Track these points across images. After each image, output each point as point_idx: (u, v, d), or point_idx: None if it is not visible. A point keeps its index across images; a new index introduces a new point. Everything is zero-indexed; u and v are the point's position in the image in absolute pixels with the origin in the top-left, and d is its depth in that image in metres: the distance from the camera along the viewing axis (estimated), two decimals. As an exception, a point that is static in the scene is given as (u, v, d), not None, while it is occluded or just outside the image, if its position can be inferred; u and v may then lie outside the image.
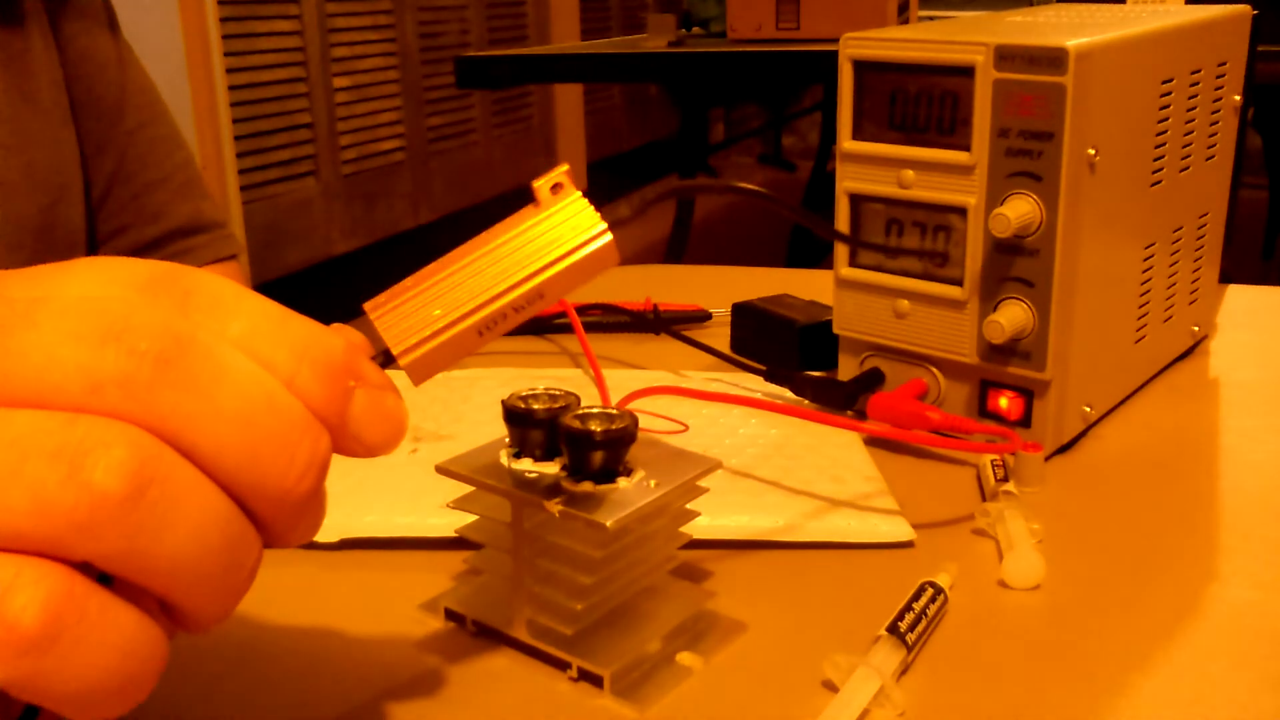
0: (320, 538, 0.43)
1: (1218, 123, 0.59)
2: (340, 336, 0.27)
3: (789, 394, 0.56)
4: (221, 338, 0.25)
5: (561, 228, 0.30)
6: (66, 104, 0.63)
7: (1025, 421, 0.50)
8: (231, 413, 0.24)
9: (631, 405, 0.51)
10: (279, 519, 0.26)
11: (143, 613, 0.24)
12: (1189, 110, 0.55)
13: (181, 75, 2.42)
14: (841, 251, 0.54)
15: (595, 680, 0.35)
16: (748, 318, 0.64)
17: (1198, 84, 0.56)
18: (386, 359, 0.29)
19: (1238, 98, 0.60)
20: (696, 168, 3.02)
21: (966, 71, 0.48)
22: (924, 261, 0.51)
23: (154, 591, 0.24)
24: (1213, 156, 0.59)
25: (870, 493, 0.46)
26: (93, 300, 0.24)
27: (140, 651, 0.24)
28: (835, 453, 0.49)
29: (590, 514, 0.33)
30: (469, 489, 0.36)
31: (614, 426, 0.34)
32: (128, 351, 0.24)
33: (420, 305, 0.29)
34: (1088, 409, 0.52)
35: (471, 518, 0.38)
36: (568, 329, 0.67)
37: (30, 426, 0.23)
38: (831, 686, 0.34)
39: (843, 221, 0.53)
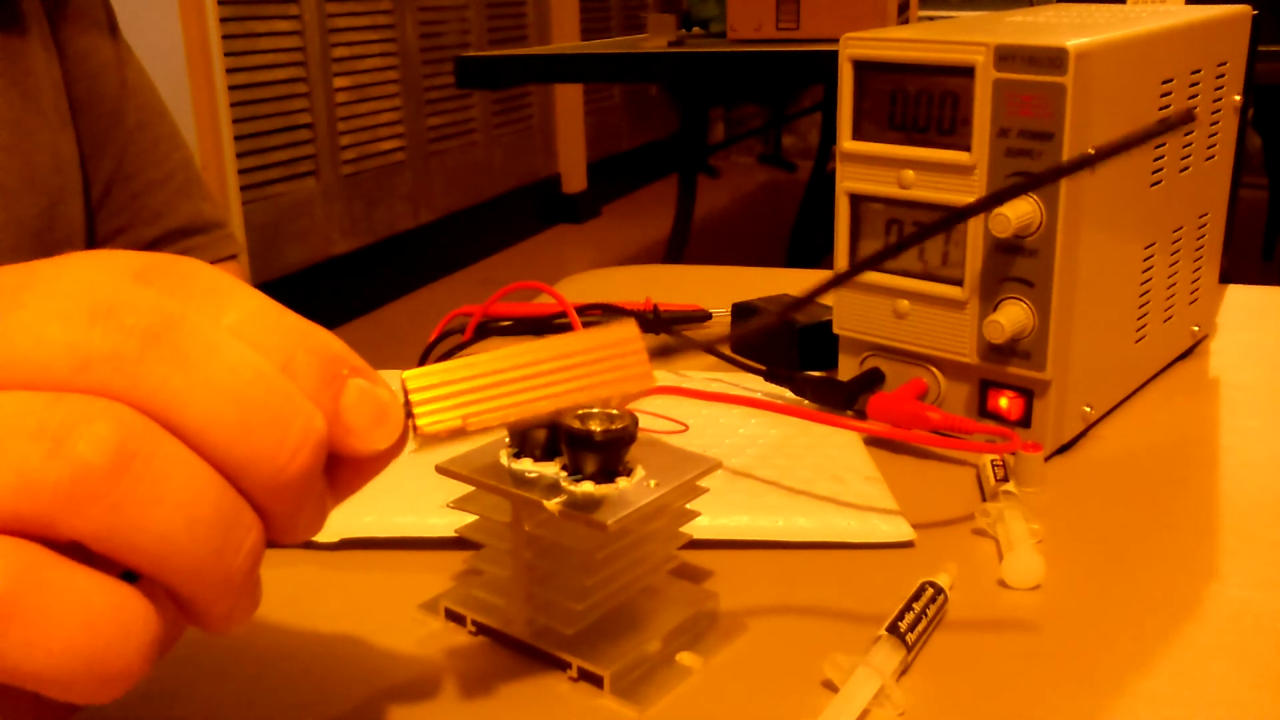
0: (320, 538, 0.43)
1: (1218, 123, 0.59)
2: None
3: (789, 394, 0.56)
4: (214, 320, 0.25)
5: (613, 361, 0.32)
6: (66, 105, 0.63)
7: (1025, 421, 0.50)
8: (220, 388, 0.24)
9: (631, 405, 0.51)
10: (276, 501, 0.25)
11: (121, 590, 0.24)
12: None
13: (181, 75, 2.42)
14: (842, 251, 0.54)
15: (595, 680, 0.35)
16: (748, 318, 0.64)
17: (1198, 84, 0.56)
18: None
19: (1238, 98, 0.60)
20: (696, 168, 3.01)
21: (966, 71, 0.48)
22: (923, 262, 0.51)
23: (145, 571, 0.24)
24: (1213, 156, 0.59)
25: (870, 493, 0.46)
26: (82, 282, 0.24)
27: (109, 626, 0.23)
28: (835, 453, 0.49)
29: (590, 514, 0.33)
30: (469, 489, 0.36)
31: (614, 426, 0.34)
32: (115, 328, 0.23)
33: (456, 391, 0.30)
34: (1088, 409, 0.52)
35: (471, 518, 0.38)
36: (568, 329, 0.67)
37: (15, 407, 0.23)
38: (831, 686, 0.34)
39: (843, 221, 0.53)
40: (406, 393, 0.29)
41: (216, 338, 0.25)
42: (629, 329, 0.32)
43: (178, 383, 0.24)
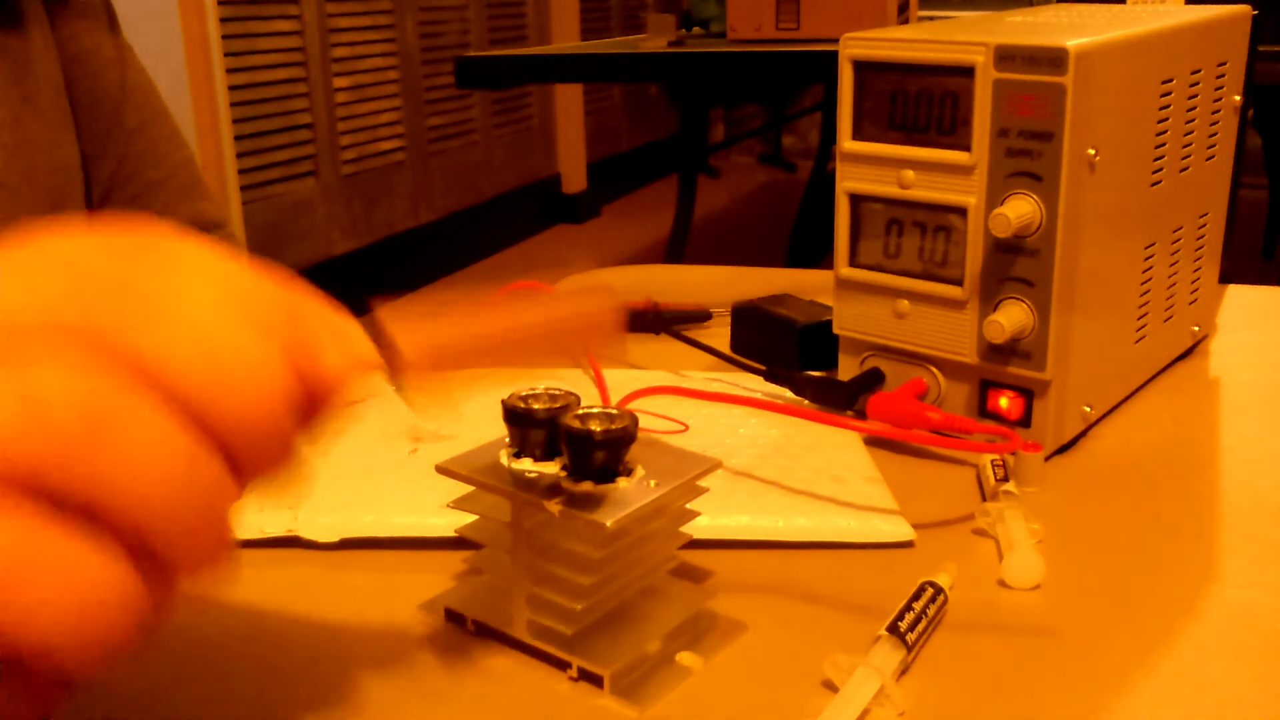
0: (320, 538, 0.43)
1: (1218, 123, 0.59)
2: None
3: (789, 394, 0.56)
4: (185, 279, 0.26)
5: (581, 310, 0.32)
6: (67, 105, 0.63)
7: (1025, 421, 0.50)
8: (191, 340, 0.25)
9: (631, 405, 0.51)
10: (247, 447, 0.26)
11: (110, 552, 0.24)
12: (1189, 110, 0.55)
13: (181, 75, 2.42)
14: (842, 251, 0.54)
15: (595, 680, 0.35)
16: (748, 318, 0.64)
17: (1198, 84, 0.56)
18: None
19: (1238, 98, 0.60)
20: (696, 168, 3.01)
21: (966, 71, 0.48)
22: (924, 263, 0.51)
23: (120, 525, 0.24)
24: (1213, 156, 0.59)
25: (870, 493, 0.46)
26: (58, 250, 0.25)
27: (103, 592, 0.24)
28: (835, 453, 0.49)
29: (590, 514, 0.33)
30: (469, 489, 0.36)
31: (614, 426, 0.34)
32: (90, 286, 0.24)
33: (433, 318, 0.30)
34: (1088, 409, 0.52)
35: (471, 518, 0.38)
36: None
37: None
38: (831, 686, 0.34)
39: (843, 221, 0.53)
40: (388, 341, 0.29)
41: (187, 295, 0.26)
42: (604, 297, 0.32)
43: (153, 340, 0.25)
